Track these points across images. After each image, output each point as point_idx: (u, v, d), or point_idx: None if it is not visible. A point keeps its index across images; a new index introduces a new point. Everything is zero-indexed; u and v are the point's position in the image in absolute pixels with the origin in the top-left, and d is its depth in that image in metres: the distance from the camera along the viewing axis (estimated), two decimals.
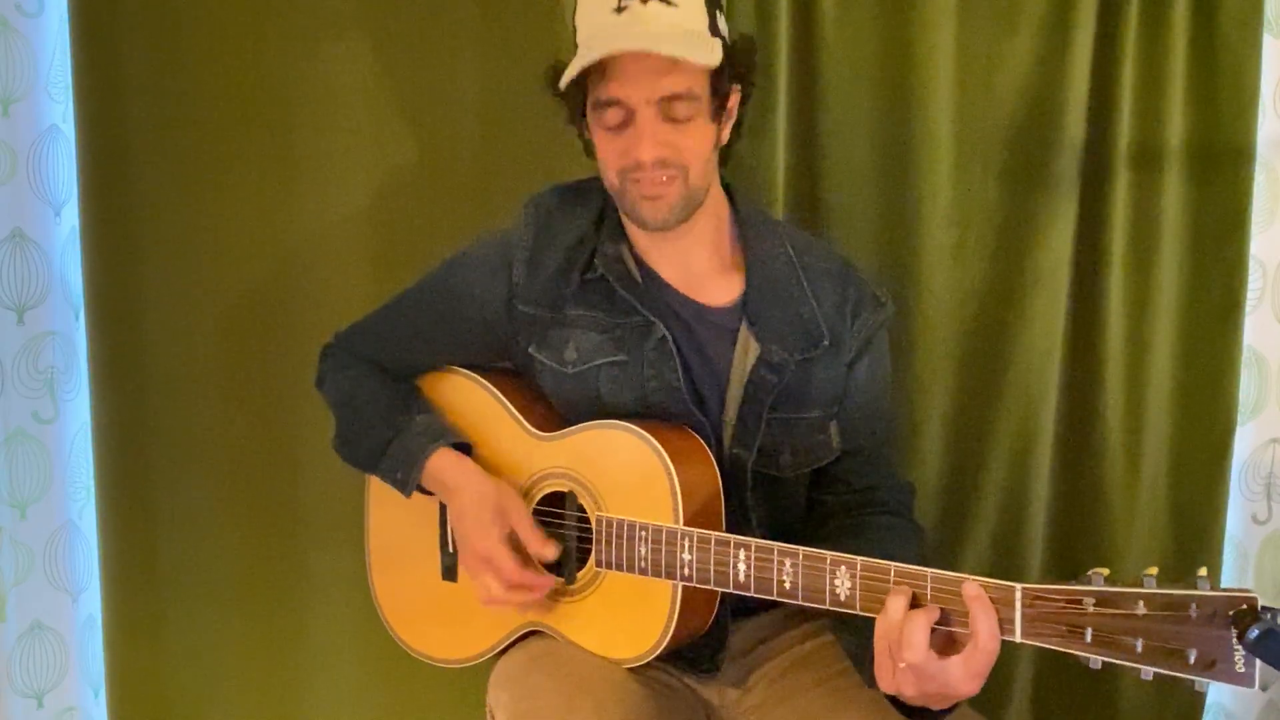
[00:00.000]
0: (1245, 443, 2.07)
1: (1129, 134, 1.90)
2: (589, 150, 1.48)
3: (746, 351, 1.45)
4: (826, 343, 1.46)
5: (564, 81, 1.37)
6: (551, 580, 1.43)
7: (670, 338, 1.43)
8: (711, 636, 1.43)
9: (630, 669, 1.39)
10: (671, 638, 1.35)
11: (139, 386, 1.94)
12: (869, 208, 1.91)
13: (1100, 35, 1.88)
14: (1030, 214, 1.93)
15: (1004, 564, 1.99)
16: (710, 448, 1.42)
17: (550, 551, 1.41)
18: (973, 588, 1.11)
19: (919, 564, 1.21)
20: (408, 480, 1.50)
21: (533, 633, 1.49)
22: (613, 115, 1.37)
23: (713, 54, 1.36)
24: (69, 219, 1.94)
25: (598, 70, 1.35)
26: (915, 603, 1.15)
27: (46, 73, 1.89)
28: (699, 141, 1.39)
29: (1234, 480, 2.03)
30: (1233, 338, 1.97)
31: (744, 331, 1.46)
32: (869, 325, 1.51)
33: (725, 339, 1.46)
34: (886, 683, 1.17)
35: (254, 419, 1.96)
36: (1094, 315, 1.95)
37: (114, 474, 1.96)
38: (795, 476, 1.50)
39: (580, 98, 1.41)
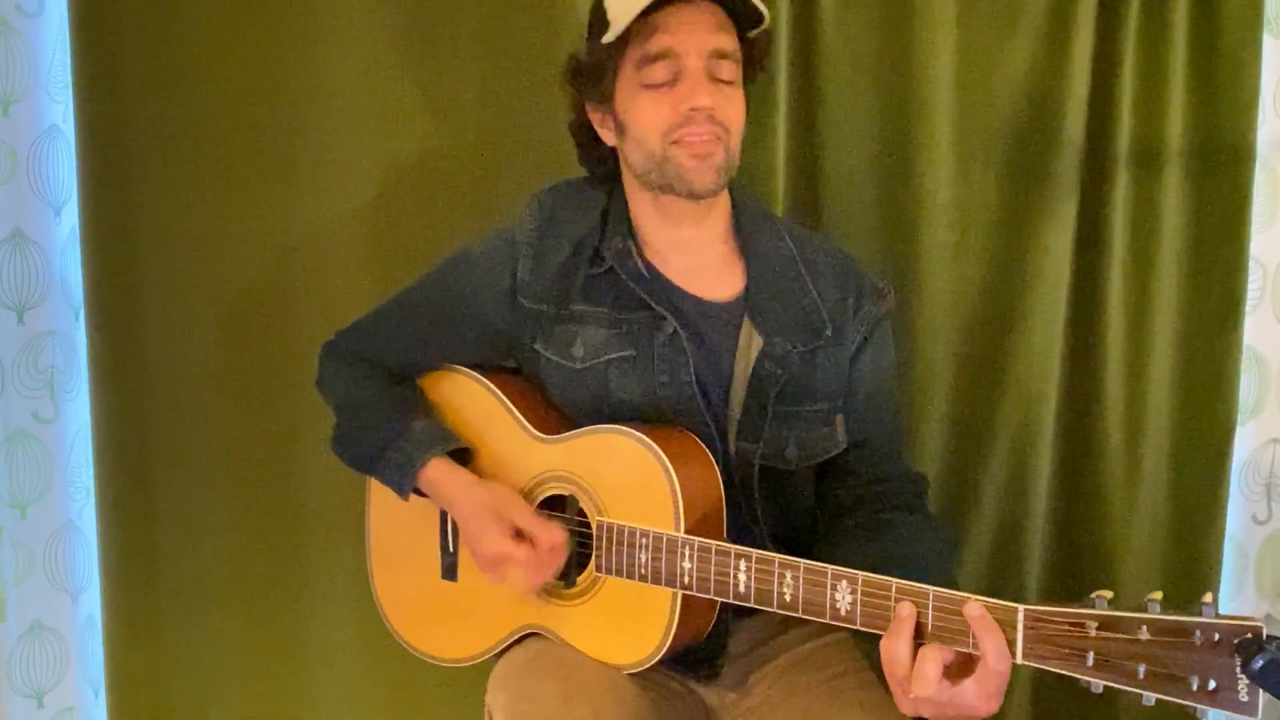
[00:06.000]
0: (1245, 443, 2.08)
1: (1129, 134, 1.90)
2: (583, 154, 1.51)
3: (750, 345, 1.45)
4: (829, 333, 1.46)
5: (614, 31, 1.35)
6: (560, 526, 1.40)
7: (681, 333, 1.42)
8: (711, 643, 1.43)
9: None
10: (670, 645, 1.34)
11: (139, 386, 1.94)
12: (869, 208, 1.91)
13: (1100, 35, 1.88)
14: (1030, 214, 1.93)
15: (1003, 565, 1.99)
16: (715, 444, 1.41)
17: (558, 533, 1.39)
18: (975, 608, 1.10)
19: (949, 570, 1.19)
20: (402, 487, 1.50)
21: (533, 634, 1.48)
22: (662, 70, 1.37)
23: (766, 12, 1.39)
24: (69, 219, 1.94)
25: (642, 29, 1.35)
26: (918, 630, 1.14)
27: (46, 73, 1.89)
28: (739, 110, 1.41)
29: (1234, 480, 2.04)
30: (1233, 338, 1.98)
31: (746, 325, 1.45)
32: (871, 315, 1.51)
33: (728, 333, 1.46)
34: (904, 705, 1.16)
35: (254, 419, 1.95)
36: (1094, 315, 1.95)
37: (114, 474, 1.95)
38: (801, 471, 1.49)
39: (598, 79, 1.41)
